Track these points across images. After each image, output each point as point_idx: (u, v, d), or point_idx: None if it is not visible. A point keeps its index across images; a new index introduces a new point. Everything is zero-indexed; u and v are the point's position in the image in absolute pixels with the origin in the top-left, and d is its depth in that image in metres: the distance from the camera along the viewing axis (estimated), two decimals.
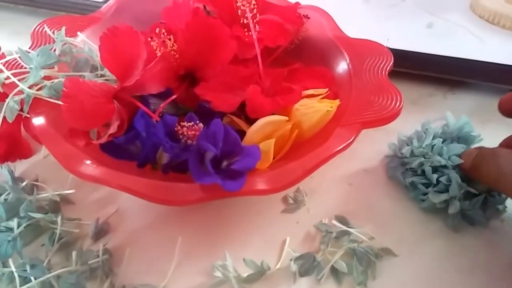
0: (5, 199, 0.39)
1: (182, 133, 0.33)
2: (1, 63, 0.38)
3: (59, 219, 0.37)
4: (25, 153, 0.44)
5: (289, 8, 0.47)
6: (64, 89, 0.31)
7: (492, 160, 0.35)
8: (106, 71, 0.40)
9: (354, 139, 0.34)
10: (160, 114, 0.37)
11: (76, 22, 0.46)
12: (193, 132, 0.32)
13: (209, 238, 0.38)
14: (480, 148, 0.37)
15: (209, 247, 0.37)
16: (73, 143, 0.32)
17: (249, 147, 0.33)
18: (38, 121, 0.34)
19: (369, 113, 0.36)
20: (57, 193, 0.40)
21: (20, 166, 0.44)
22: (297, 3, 0.48)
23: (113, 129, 0.33)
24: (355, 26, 0.48)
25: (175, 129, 0.33)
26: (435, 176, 0.38)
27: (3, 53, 0.41)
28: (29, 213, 0.37)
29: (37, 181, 0.43)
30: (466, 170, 0.37)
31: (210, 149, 0.30)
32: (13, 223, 0.36)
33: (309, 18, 0.47)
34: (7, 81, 0.37)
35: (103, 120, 0.34)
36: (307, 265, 0.35)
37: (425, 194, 0.39)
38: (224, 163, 0.32)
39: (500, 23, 0.61)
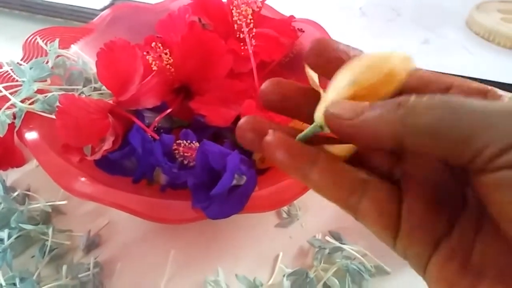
0: None
1: (179, 152, 0.33)
2: None
3: (50, 231, 0.37)
4: (17, 161, 0.44)
5: (283, 22, 0.47)
6: (59, 105, 0.31)
7: None
8: (100, 84, 0.40)
9: None
10: (155, 128, 0.37)
11: (69, 33, 0.45)
12: (189, 153, 0.32)
13: (202, 251, 0.38)
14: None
15: (202, 261, 0.37)
16: (67, 159, 0.32)
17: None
18: (31, 136, 0.34)
19: None
20: (49, 203, 0.40)
21: (12, 175, 0.44)
22: (292, 16, 0.48)
23: (108, 144, 0.33)
24: (350, 41, 0.48)
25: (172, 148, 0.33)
26: None
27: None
28: (20, 224, 0.37)
29: (29, 190, 0.42)
30: None
31: (202, 184, 0.30)
32: (4, 234, 0.36)
33: (303, 31, 0.47)
34: None
35: (98, 136, 0.34)
36: (300, 281, 0.35)
37: None
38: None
39: (495, 41, 0.61)
